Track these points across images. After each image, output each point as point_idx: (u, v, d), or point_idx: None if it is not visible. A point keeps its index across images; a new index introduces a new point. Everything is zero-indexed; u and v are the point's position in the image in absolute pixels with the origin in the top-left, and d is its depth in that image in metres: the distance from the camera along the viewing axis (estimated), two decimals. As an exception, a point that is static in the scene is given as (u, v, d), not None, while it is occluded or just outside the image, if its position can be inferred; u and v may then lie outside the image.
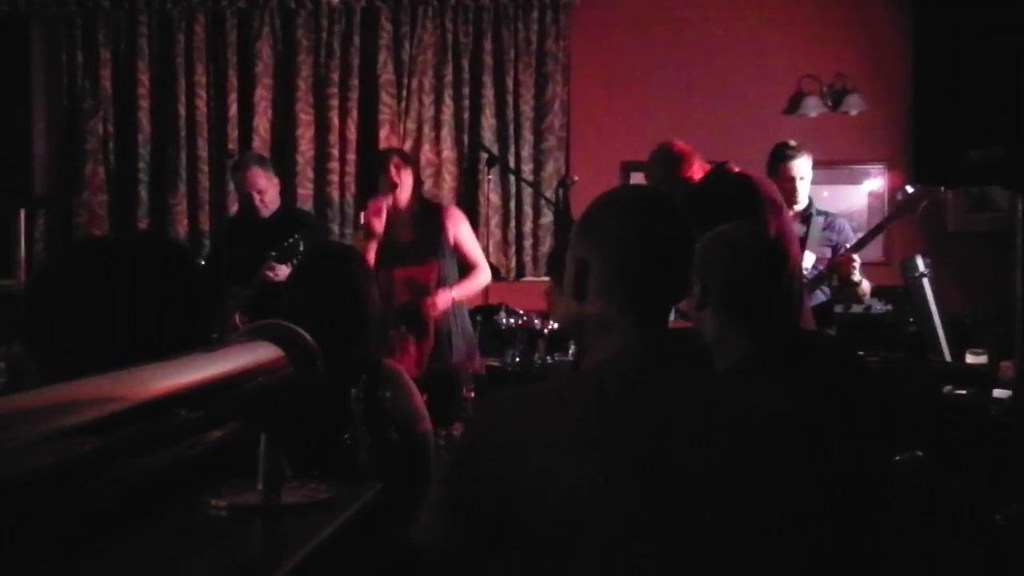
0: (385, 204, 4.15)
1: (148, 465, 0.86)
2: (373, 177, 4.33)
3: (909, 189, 4.18)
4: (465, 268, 4.22)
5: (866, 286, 4.35)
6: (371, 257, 4.06)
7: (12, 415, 0.72)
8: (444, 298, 4.06)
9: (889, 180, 5.88)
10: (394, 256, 4.11)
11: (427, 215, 4.18)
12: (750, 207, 3.51)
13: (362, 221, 4.30)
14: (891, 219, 4.41)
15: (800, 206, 4.42)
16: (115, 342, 1.33)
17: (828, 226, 4.50)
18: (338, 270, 2.63)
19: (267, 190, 4.66)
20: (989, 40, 2.14)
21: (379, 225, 4.11)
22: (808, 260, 4.31)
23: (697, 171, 3.67)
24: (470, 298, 4.21)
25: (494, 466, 1.42)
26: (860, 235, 4.50)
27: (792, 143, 4.44)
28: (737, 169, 3.74)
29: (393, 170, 4.11)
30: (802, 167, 4.39)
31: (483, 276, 4.26)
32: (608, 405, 1.43)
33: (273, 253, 4.29)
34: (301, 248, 4.19)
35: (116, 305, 1.36)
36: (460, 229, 4.21)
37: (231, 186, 5.85)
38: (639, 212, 1.53)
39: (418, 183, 4.26)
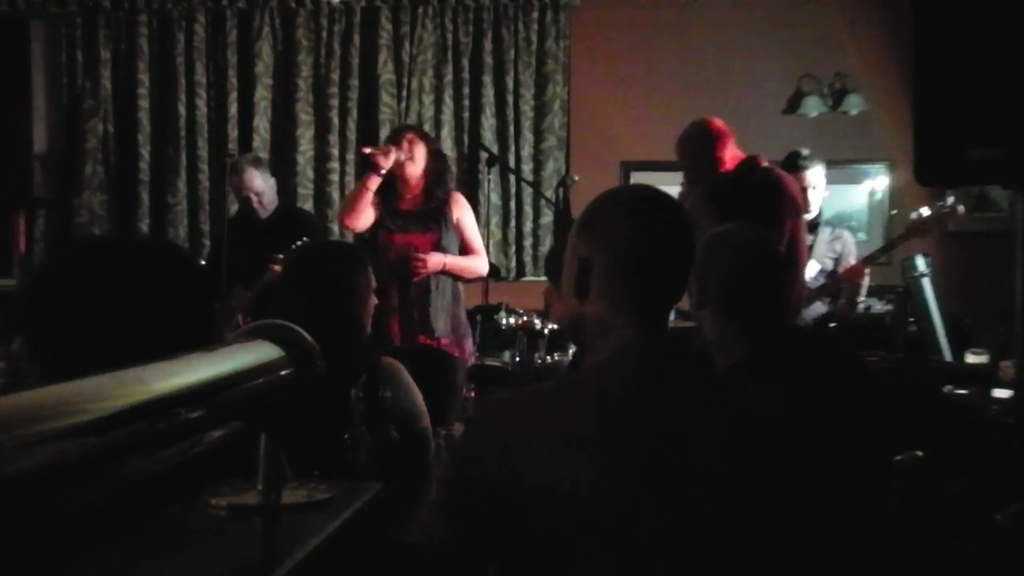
0: (394, 161, 4.08)
1: (148, 465, 0.86)
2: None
3: (924, 212, 4.18)
4: (464, 253, 4.22)
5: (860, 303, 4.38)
6: (372, 185, 4.04)
7: (12, 415, 0.72)
8: (436, 258, 4.06)
9: (890, 180, 5.88)
10: (396, 221, 4.11)
11: (434, 193, 4.17)
12: (772, 203, 3.51)
13: (367, 151, 4.21)
14: (903, 239, 4.39)
15: (811, 215, 4.43)
16: (115, 342, 1.33)
17: (835, 238, 4.51)
18: (329, 268, 2.63)
19: (264, 191, 4.66)
20: (989, 40, 2.14)
21: (384, 162, 4.05)
22: (811, 270, 4.31)
23: (729, 153, 3.67)
24: (460, 271, 4.18)
25: (495, 466, 1.42)
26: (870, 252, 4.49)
27: (805, 152, 4.44)
28: (766, 164, 3.75)
29: (406, 144, 4.10)
30: (815, 177, 4.40)
31: (479, 261, 4.25)
32: (608, 405, 1.43)
33: (280, 256, 4.27)
34: None
35: (116, 305, 1.36)
36: (464, 214, 4.22)
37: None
38: (641, 212, 1.53)
39: (434, 163, 4.19)
